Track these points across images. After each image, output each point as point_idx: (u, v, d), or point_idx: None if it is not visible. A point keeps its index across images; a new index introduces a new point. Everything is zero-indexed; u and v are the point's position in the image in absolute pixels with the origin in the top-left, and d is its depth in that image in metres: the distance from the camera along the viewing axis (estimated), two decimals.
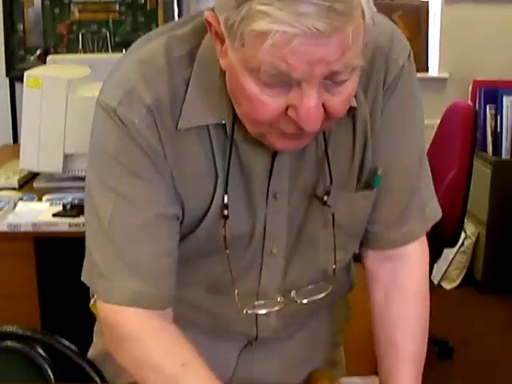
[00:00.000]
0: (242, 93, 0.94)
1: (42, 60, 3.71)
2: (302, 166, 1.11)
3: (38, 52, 4.01)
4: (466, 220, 3.16)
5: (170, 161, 1.06)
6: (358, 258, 1.29)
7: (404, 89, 1.12)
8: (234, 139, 1.05)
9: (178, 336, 1.10)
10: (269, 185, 1.10)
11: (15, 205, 2.29)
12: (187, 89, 1.04)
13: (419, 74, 1.16)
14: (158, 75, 1.04)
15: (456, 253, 3.93)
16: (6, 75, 4.06)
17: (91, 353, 1.38)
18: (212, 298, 1.21)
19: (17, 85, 3.98)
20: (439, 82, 4.17)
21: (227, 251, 1.10)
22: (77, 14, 4.04)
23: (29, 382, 1.31)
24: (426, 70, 4.20)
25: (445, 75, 4.18)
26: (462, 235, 3.49)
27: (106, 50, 4.00)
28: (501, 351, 3.31)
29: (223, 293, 1.17)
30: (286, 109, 0.93)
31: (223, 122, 1.04)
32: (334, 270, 1.18)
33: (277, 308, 1.19)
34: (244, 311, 1.16)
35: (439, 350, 3.25)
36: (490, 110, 3.89)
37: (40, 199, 2.36)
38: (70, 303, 2.09)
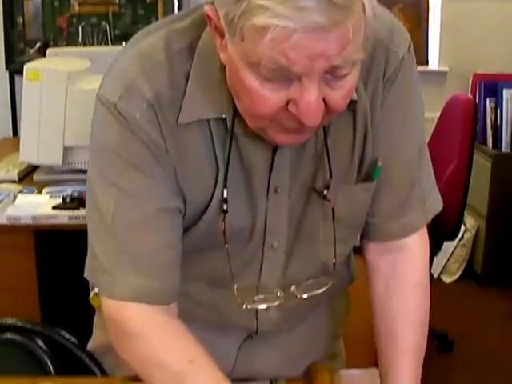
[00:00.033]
0: (242, 87, 0.93)
1: (41, 53, 3.70)
2: (303, 160, 1.10)
3: (38, 45, 4.00)
4: (465, 213, 3.16)
5: (172, 154, 1.05)
6: (358, 251, 1.29)
7: (404, 81, 1.12)
8: (234, 133, 1.05)
9: (183, 332, 1.08)
10: (269, 179, 1.10)
11: (15, 197, 2.29)
12: (187, 82, 1.04)
13: (419, 68, 1.16)
14: (157, 68, 1.03)
15: (456, 246, 3.93)
16: (6, 68, 4.05)
17: (91, 345, 1.38)
18: (212, 292, 1.21)
19: (16, 78, 3.96)
20: (439, 75, 4.17)
21: (227, 246, 1.10)
22: (76, 7, 4.03)
23: (29, 374, 1.31)
24: (426, 63, 4.20)
25: (445, 68, 4.18)
26: (462, 228, 3.50)
27: (106, 43, 3.99)
28: (500, 344, 3.31)
29: (223, 287, 1.16)
30: (287, 103, 0.92)
31: (223, 116, 1.04)
32: (334, 264, 1.18)
33: (277, 303, 1.19)
34: (244, 306, 1.16)
35: (439, 343, 3.25)
36: (489, 103, 3.89)
37: (40, 192, 2.36)
38: (69, 296, 2.09)
